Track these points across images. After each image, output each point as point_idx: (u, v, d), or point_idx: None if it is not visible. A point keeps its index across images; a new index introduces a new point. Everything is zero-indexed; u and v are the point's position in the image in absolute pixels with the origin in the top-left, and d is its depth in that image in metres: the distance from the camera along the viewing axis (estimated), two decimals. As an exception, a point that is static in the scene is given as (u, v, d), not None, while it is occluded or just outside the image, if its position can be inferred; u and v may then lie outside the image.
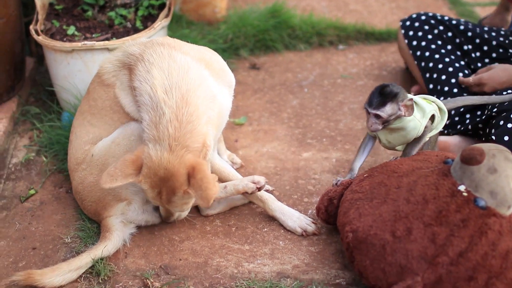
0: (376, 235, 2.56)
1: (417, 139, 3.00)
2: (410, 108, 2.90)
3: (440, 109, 3.08)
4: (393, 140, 3.03)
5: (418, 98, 3.02)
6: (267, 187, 3.29)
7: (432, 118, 3.03)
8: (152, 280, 2.82)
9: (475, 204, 2.49)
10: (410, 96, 2.93)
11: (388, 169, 2.83)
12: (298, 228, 3.06)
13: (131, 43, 3.04)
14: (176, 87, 2.72)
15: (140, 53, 2.88)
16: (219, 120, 2.93)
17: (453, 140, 3.34)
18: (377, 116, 2.89)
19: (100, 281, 2.85)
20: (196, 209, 3.20)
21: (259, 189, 3.06)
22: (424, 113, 2.98)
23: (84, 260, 2.86)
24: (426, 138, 3.04)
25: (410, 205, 2.56)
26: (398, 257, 2.48)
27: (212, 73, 2.92)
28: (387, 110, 2.88)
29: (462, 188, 2.54)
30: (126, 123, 2.98)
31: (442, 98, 3.52)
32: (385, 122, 2.91)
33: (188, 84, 2.75)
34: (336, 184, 3.05)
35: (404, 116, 2.90)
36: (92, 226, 3.13)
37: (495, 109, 3.20)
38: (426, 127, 2.98)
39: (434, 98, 3.11)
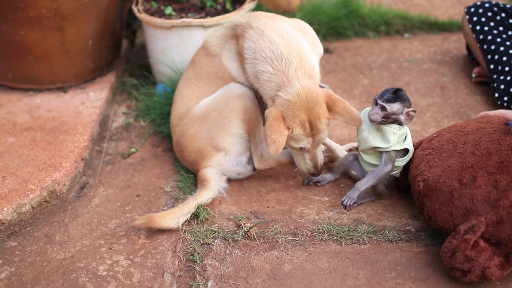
0: (445, 182, 2.91)
1: (383, 154, 3.16)
2: (410, 118, 3.13)
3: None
4: (370, 136, 3.16)
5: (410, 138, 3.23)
6: None
7: (406, 152, 3.22)
8: (244, 222, 3.22)
9: (533, 157, 2.84)
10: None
11: (455, 129, 3.17)
12: (371, 184, 3.40)
13: (235, 17, 3.45)
14: (291, 44, 3.18)
15: (247, 22, 3.31)
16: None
17: (512, 113, 3.67)
18: (383, 109, 3.10)
19: (199, 222, 3.24)
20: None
21: None
22: (404, 142, 3.18)
23: (192, 205, 3.23)
24: (389, 166, 3.16)
25: (476, 157, 2.91)
26: (464, 201, 2.82)
27: (308, 41, 3.34)
28: (394, 107, 3.09)
29: (522, 143, 2.89)
30: (227, 84, 3.40)
31: (502, 77, 3.85)
32: (384, 118, 3.11)
33: (299, 44, 3.21)
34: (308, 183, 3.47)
35: (402, 122, 3.12)
36: (189, 177, 3.54)
37: None
38: (392, 154, 3.15)
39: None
